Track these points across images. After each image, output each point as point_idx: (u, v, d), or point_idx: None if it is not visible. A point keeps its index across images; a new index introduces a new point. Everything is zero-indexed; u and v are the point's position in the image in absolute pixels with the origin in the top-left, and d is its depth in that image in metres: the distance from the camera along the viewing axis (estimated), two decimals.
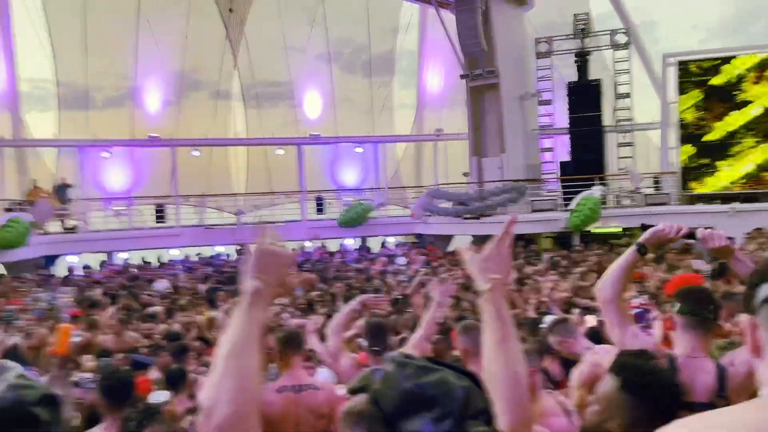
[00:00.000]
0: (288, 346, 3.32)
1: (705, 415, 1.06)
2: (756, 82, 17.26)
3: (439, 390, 0.95)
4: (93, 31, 20.85)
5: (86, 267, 15.57)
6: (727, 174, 17.62)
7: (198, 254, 17.70)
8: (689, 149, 17.89)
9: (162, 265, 16.59)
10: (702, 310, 2.42)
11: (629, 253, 2.47)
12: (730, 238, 2.50)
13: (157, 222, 19.14)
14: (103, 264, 16.50)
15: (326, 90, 24.62)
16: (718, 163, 17.63)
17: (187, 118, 22.39)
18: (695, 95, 17.84)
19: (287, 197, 21.49)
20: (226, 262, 16.40)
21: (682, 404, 2.09)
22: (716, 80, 17.62)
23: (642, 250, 2.43)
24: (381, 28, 24.60)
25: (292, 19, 23.26)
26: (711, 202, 17.26)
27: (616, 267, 2.48)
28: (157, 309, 8.24)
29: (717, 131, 17.64)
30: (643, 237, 2.44)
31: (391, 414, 0.97)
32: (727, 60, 17.59)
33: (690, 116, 17.89)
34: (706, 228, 2.46)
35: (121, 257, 17.69)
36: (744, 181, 17.47)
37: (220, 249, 18.66)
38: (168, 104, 22.72)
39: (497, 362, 1.28)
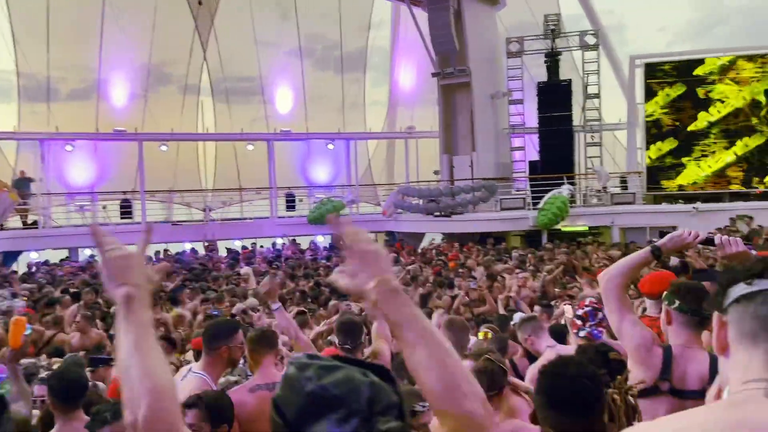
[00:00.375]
0: (259, 345, 3.30)
1: (670, 418, 1.07)
2: (716, 88, 17.71)
3: (344, 389, 0.91)
4: (56, 21, 20.27)
5: (46, 263, 15.15)
6: (691, 173, 18.04)
7: (165, 250, 17.38)
8: (656, 149, 18.27)
9: None
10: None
11: (643, 252, 2.54)
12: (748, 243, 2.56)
13: (123, 218, 18.74)
14: (63, 261, 16.08)
15: (297, 86, 24.42)
16: (684, 161, 18.04)
17: (154, 113, 21.94)
18: (662, 97, 18.21)
19: (257, 194, 21.27)
20: (196, 259, 16.14)
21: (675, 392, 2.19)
22: (682, 82, 18.01)
23: (657, 252, 2.50)
24: (353, 24, 24.51)
25: (263, 14, 23.00)
26: (675, 202, 17.67)
27: (626, 261, 2.55)
28: None
29: (682, 132, 18.05)
30: (661, 241, 2.51)
31: (294, 420, 0.93)
32: (693, 63, 18.00)
33: (656, 117, 18.26)
34: (719, 233, 2.55)
35: (85, 254, 17.26)
36: (707, 181, 17.91)
37: (187, 246, 18.36)
38: (134, 98, 22.24)
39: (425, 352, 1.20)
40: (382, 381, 0.95)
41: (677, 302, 2.51)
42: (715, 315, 1.12)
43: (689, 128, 17.98)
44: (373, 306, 1.21)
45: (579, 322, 3.52)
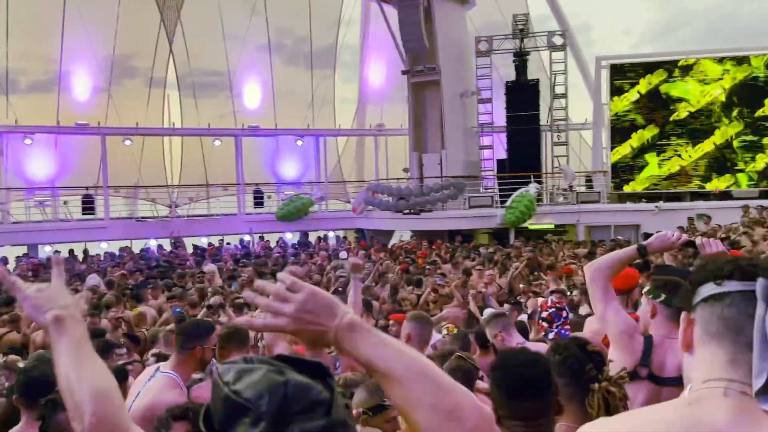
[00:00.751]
0: (229, 343, 3.27)
1: (631, 414, 1.08)
2: (679, 87, 18.14)
3: (254, 391, 0.88)
4: (16, 11, 19.63)
5: (5, 260, 14.70)
6: (654, 172, 18.45)
7: (127, 247, 17.04)
8: (620, 148, 18.63)
9: (86, 258, 15.89)
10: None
11: (630, 250, 2.69)
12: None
13: (84, 213, 18.29)
14: (21, 258, 15.62)
15: (266, 81, 24.17)
16: (647, 160, 18.43)
17: (118, 106, 21.43)
18: (626, 97, 18.57)
19: (224, 190, 20.99)
20: (162, 256, 15.85)
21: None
22: (646, 83, 18.40)
23: (642, 251, 2.63)
24: (323, 20, 24.37)
25: (231, 7, 22.69)
26: (638, 201, 18.06)
27: (613, 256, 2.69)
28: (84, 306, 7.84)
29: (646, 132, 18.44)
30: (647, 241, 2.65)
31: (219, 427, 0.90)
32: (656, 64, 18.39)
33: (621, 117, 18.63)
34: (705, 236, 2.66)
35: (45, 250, 16.80)
36: (669, 179, 18.35)
37: (152, 242, 18.02)
38: (98, 91, 21.69)
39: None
40: (310, 378, 0.91)
41: (663, 296, 2.61)
42: (683, 312, 1.14)
43: (653, 128, 18.38)
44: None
45: (545, 325, 3.56)
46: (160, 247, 17.50)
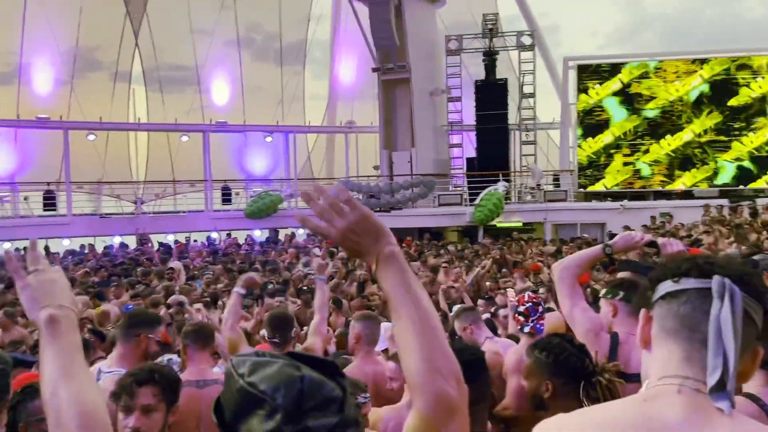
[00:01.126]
0: (192, 340, 3.19)
1: (587, 410, 1.09)
2: (647, 87, 18.53)
3: (271, 384, 0.89)
4: None
5: None
6: (619, 171, 18.81)
7: (90, 245, 16.64)
8: (587, 147, 18.94)
9: (48, 255, 15.45)
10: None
11: (596, 249, 2.76)
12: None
13: (46, 210, 17.80)
14: None
15: (235, 77, 23.88)
16: (614, 159, 18.77)
17: (81, 100, 20.90)
18: (593, 97, 18.89)
19: (191, 186, 20.67)
20: (127, 253, 15.51)
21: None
22: (612, 84, 18.74)
23: (608, 250, 2.70)
24: (293, 16, 24.16)
25: (199, 1, 22.34)
26: (604, 200, 18.40)
27: (580, 255, 2.76)
28: None
29: (612, 131, 18.78)
30: (613, 241, 2.72)
31: (230, 419, 0.92)
32: (622, 65, 18.74)
33: (589, 116, 18.93)
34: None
35: (4, 247, 16.28)
36: (633, 179, 18.73)
37: (116, 239, 17.64)
38: (60, 84, 21.13)
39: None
40: (323, 376, 0.93)
41: (621, 293, 2.67)
42: (642, 309, 1.15)
43: (618, 127, 18.73)
44: (372, 268, 1.20)
45: (522, 318, 3.61)
46: (123, 244, 17.12)
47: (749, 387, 2.19)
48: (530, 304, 3.60)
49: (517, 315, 3.64)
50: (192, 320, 5.23)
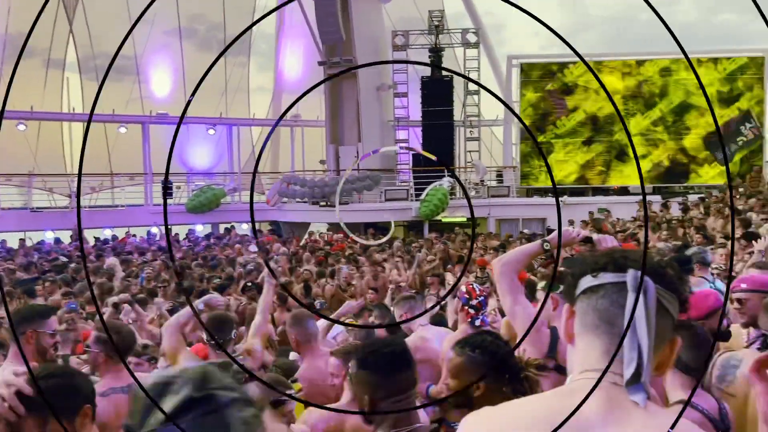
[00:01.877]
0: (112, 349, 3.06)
1: (511, 404, 1.09)
2: (586, 89, 19.09)
3: (175, 372, 0.99)
4: None
5: None
6: (558, 168, 19.32)
7: (21, 240, 15.85)
8: (527, 145, 19.36)
9: None
10: None
11: (535, 245, 2.76)
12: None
13: None
14: None
15: (176, 67, 23.21)
16: (556, 155, 19.26)
17: (11, 87, 19.86)
18: (533, 95, 19.31)
19: (130, 180, 19.97)
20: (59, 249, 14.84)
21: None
22: (553, 83, 19.20)
23: (546, 245, 2.70)
24: (237, 7, 23.66)
25: None
26: (545, 195, 18.87)
27: (520, 250, 2.76)
28: None
29: (552, 129, 19.26)
30: (551, 236, 2.73)
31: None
32: (563, 65, 19.22)
33: (528, 116, 19.34)
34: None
35: None
36: (572, 176, 19.28)
37: (49, 235, 16.87)
38: None
39: None
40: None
41: (561, 287, 2.69)
42: (566, 304, 1.15)
43: (558, 125, 19.22)
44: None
45: (473, 312, 3.64)
46: (56, 240, 16.40)
47: (678, 393, 2.28)
48: (482, 297, 3.64)
49: (468, 309, 3.67)
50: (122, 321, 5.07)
